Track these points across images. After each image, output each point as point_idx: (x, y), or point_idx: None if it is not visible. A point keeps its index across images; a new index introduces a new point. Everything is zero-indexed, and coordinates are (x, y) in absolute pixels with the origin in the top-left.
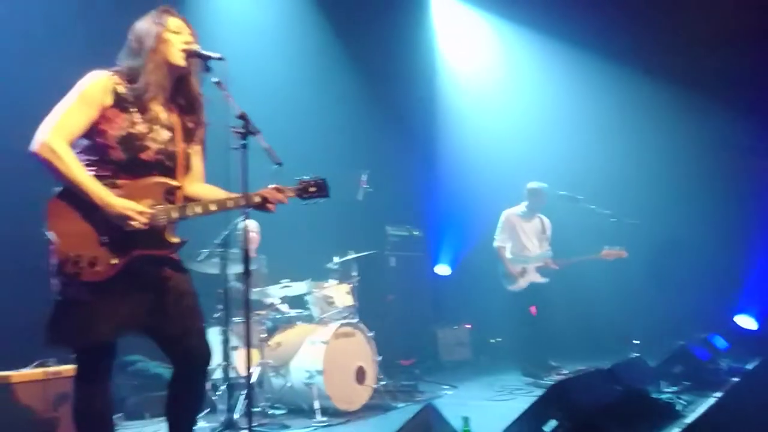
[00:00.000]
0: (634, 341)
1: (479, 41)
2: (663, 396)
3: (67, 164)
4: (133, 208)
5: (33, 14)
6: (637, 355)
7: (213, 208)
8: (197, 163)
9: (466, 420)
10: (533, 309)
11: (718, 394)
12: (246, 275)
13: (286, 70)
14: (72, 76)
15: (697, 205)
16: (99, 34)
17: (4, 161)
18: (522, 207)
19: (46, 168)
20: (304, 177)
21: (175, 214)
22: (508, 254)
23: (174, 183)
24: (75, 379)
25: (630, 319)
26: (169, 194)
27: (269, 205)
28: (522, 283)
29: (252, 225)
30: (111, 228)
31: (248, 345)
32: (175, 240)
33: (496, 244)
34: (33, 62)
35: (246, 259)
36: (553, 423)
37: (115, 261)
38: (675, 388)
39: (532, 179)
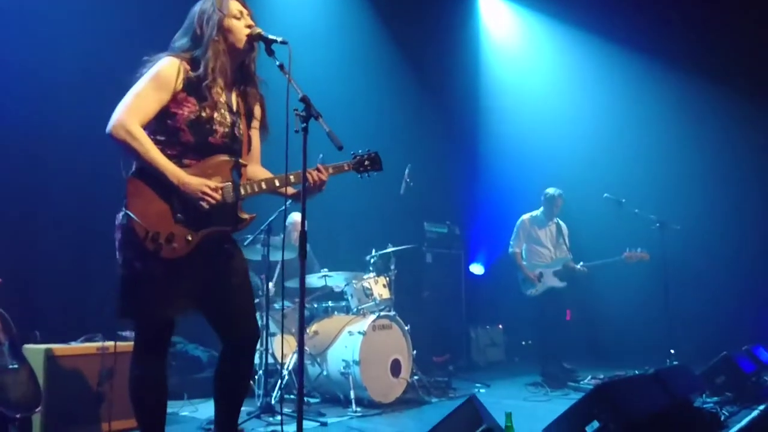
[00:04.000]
0: (671, 351)
1: (526, 41)
2: (706, 406)
3: (143, 144)
4: (207, 184)
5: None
6: (678, 363)
7: (278, 183)
8: (256, 143)
9: (508, 415)
10: (568, 313)
11: (761, 407)
12: (302, 258)
13: (334, 65)
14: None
15: (746, 214)
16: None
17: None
18: (537, 212)
19: (122, 149)
20: (359, 151)
21: (243, 191)
22: (522, 260)
23: (240, 161)
24: (135, 352)
25: (670, 327)
26: (236, 171)
27: (311, 179)
28: (539, 288)
29: (296, 215)
30: (186, 205)
31: (301, 327)
32: (246, 216)
33: (511, 250)
34: (102, 46)
35: (303, 243)
36: (595, 424)
37: (190, 237)
38: (717, 399)
39: (575, 180)
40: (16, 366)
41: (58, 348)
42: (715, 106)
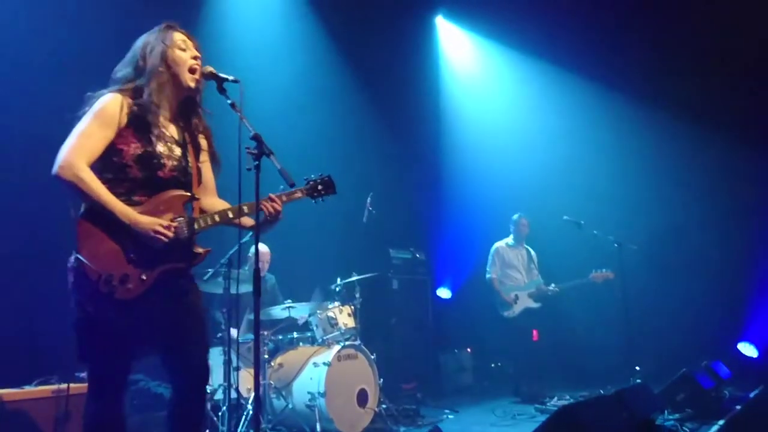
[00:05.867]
0: (636, 368)
1: (485, 68)
2: (667, 423)
3: (91, 186)
4: (160, 223)
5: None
6: (640, 382)
7: (231, 215)
8: (208, 175)
9: None
10: (535, 333)
11: (721, 422)
12: (256, 294)
13: (292, 92)
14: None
15: (703, 232)
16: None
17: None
18: (509, 239)
19: (70, 190)
20: (311, 176)
21: (197, 225)
22: (498, 285)
23: (191, 195)
24: (89, 395)
25: (630, 345)
26: (189, 206)
27: (266, 210)
28: (516, 309)
29: (263, 247)
30: (138, 244)
31: (257, 364)
32: (201, 250)
33: (488, 276)
34: (53, 82)
35: (257, 278)
36: None
37: (145, 277)
38: (678, 416)
39: (537, 203)
40: None
41: (9, 392)
42: (667, 129)
